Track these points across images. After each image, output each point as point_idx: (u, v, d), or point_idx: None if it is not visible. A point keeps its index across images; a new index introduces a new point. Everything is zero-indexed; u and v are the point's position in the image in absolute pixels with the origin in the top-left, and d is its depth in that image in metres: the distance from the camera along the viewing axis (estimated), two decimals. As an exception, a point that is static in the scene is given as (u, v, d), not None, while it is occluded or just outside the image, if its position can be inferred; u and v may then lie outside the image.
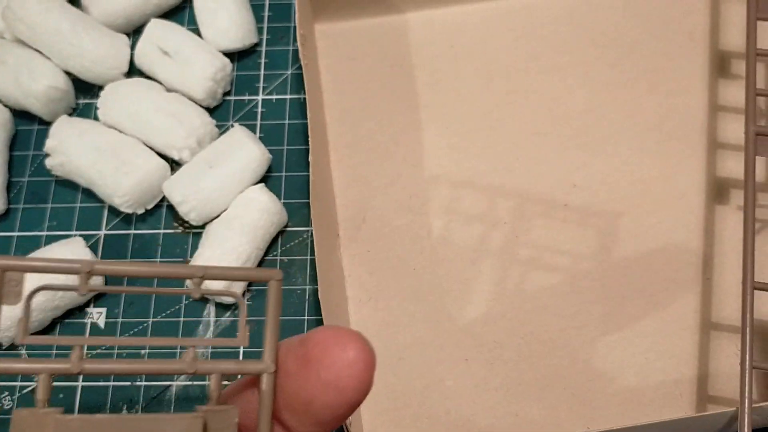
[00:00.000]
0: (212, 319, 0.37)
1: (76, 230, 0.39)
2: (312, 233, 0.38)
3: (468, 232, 0.37)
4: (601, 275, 0.36)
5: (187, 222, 0.38)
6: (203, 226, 0.38)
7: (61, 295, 0.35)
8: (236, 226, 0.35)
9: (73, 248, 0.36)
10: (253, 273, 0.17)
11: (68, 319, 0.37)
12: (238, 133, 0.37)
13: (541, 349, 0.35)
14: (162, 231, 0.39)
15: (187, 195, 0.36)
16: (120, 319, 0.37)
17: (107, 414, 0.15)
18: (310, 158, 0.34)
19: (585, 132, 0.39)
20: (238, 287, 0.35)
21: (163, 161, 0.38)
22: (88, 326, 0.37)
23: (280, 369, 0.16)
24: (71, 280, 0.18)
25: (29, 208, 0.39)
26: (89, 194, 0.39)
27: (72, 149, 0.37)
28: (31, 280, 0.15)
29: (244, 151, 0.37)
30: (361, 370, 0.15)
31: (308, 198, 0.38)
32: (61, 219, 0.39)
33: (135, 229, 0.39)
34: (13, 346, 0.36)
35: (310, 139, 0.34)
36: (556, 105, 0.40)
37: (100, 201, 0.39)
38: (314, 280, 0.37)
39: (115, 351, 0.36)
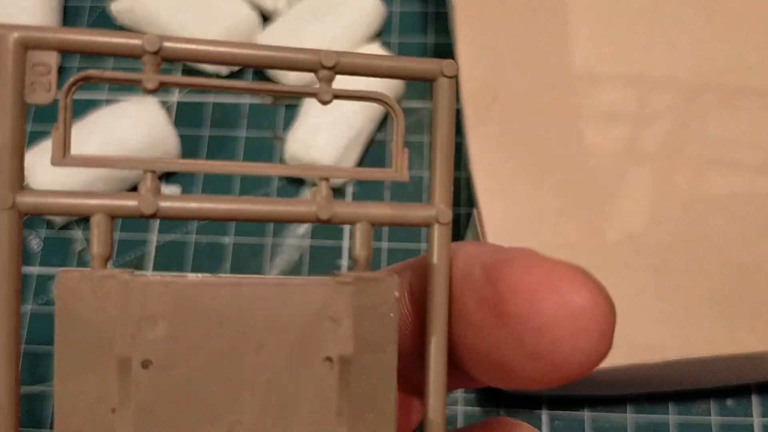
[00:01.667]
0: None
1: (140, 94, 0.32)
2: (428, 111, 0.32)
3: (624, 116, 0.31)
4: (785, 174, 0.30)
5: (278, 91, 0.32)
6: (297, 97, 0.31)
7: (128, 169, 0.28)
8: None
9: (147, 110, 0.29)
10: (410, 64, 0.11)
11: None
12: (349, -21, 0.30)
13: (717, 256, 0.29)
14: (248, 102, 0.32)
15: (289, 50, 0.29)
16: (199, 201, 0.30)
17: (203, 275, 0.09)
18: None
19: (758, 7, 0.32)
20: (329, 141, 0.28)
21: (253, 12, 0.31)
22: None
23: (454, 308, 0.11)
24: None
25: (84, 68, 0.33)
26: (159, 53, 0.33)
27: (145, -10, 0.30)
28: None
29: (357, 0, 0.30)
30: (592, 341, 0.09)
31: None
32: (125, 81, 0.32)
33: (214, 95, 0.32)
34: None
35: None
36: (727, -27, 0.33)
37: (167, 62, 0.32)
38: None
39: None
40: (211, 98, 0.32)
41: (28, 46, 0.10)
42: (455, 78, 0.11)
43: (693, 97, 0.31)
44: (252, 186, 0.30)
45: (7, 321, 0.10)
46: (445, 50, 0.33)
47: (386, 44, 0.33)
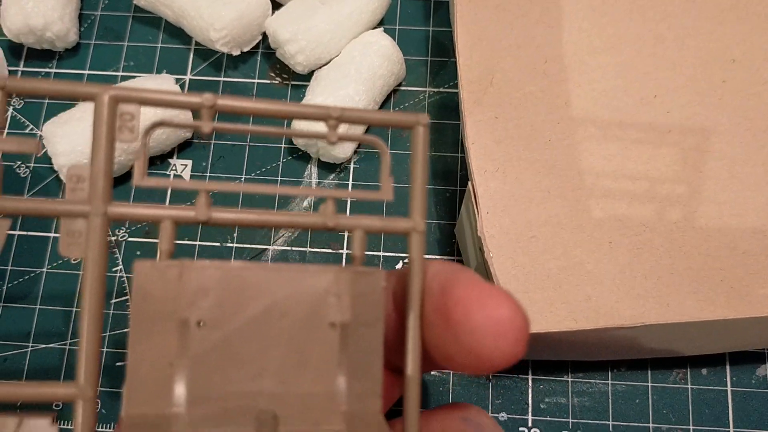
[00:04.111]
0: (314, 180, 0.32)
1: (158, 72, 0.34)
2: (428, 95, 0.34)
3: (612, 105, 0.33)
4: (763, 160, 0.31)
5: (285, 73, 0.33)
6: (303, 78, 0.33)
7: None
8: (352, 71, 0.30)
9: (161, 84, 0.30)
10: (394, 117, 0.14)
11: (149, 168, 0.32)
12: (356, -33, 0.32)
13: (695, 236, 0.30)
14: (256, 80, 0.34)
15: (296, 32, 0.31)
16: (208, 174, 0.32)
17: (243, 261, 0.13)
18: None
19: (745, 2, 0.34)
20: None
21: (264, -4, 0.32)
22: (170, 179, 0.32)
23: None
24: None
25: (102, 45, 0.34)
26: (173, 34, 0.34)
27: (161, -27, 0.32)
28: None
29: (362, -12, 0.32)
30: (509, 344, 0.13)
31: (425, 56, 0.33)
32: (140, 59, 0.34)
33: (225, 76, 0.34)
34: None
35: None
36: (714, -28, 0.35)
37: (185, 42, 0.34)
38: (430, 147, 0.33)
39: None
40: (221, 77, 0.34)
41: (118, 100, 0.13)
42: (428, 126, 0.14)
43: (679, 87, 0.33)
44: (261, 160, 0.32)
45: (97, 299, 0.12)
46: (446, 38, 0.34)
47: (388, 32, 0.34)
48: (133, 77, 0.33)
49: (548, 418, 0.28)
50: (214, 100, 0.13)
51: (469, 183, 0.26)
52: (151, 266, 0.13)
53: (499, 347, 0.13)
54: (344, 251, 0.31)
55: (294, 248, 0.31)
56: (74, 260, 0.30)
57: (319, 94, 0.30)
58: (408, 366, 0.14)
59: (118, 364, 0.29)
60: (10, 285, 0.30)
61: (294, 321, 0.13)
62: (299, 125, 0.29)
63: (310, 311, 0.13)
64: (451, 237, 0.31)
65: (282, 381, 0.13)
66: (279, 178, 0.32)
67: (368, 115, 0.14)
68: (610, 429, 0.28)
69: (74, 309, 0.30)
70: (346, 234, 0.31)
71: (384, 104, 0.33)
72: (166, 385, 0.13)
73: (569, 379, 0.29)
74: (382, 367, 0.14)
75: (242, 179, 0.32)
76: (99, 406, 0.28)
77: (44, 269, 0.30)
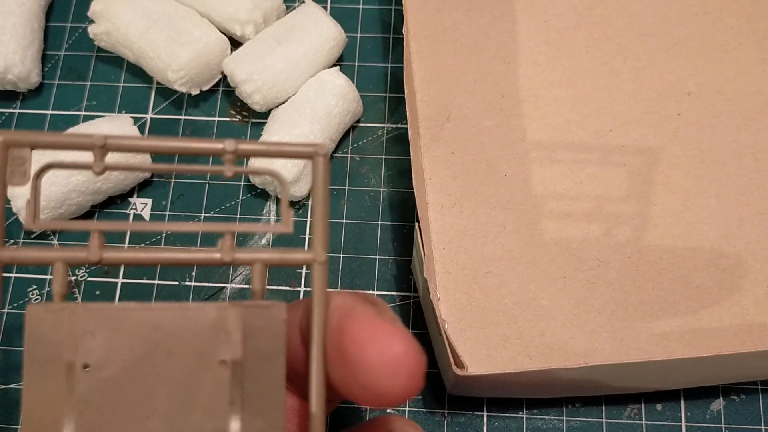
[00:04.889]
0: (273, 217, 0.32)
1: (119, 112, 0.34)
2: (386, 131, 0.34)
3: (567, 138, 0.33)
4: (717, 193, 0.32)
5: (245, 110, 0.34)
6: (263, 116, 0.33)
7: (104, 177, 0.31)
8: (307, 110, 0.31)
9: (120, 125, 0.31)
10: (291, 148, 0.14)
11: (108, 208, 0.32)
12: (311, 7, 0.33)
13: (649, 270, 0.30)
14: (216, 118, 0.34)
15: (252, 72, 0.31)
16: (167, 212, 0.32)
17: (130, 302, 0.13)
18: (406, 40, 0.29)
19: (699, 35, 0.35)
20: (285, 166, 0.30)
21: (223, 36, 0.33)
22: (131, 218, 0.32)
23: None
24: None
25: (66, 85, 0.35)
26: (134, 73, 0.35)
27: (121, 15, 0.32)
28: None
29: (318, 28, 0.32)
30: (404, 379, 0.13)
31: (384, 92, 0.34)
32: (102, 99, 0.34)
33: (186, 114, 0.34)
34: (43, 235, 0.32)
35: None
36: (667, 3, 0.35)
37: (147, 81, 0.34)
38: (388, 182, 0.33)
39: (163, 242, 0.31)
40: (182, 116, 0.34)
41: (9, 145, 0.13)
42: (327, 156, 0.14)
43: (634, 120, 0.33)
44: (219, 199, 0.32)
45: None
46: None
47: (347, 69, 0.35)
48: (96, 117, 0.34)
49: (504, 455, 0.28)
50: (104, 140, 0.13)
51: (417, 224, 0.26)
52: (44, 309, 0.13)
53: (396, 384, 0.13)
54: (302, 288, 0.31)
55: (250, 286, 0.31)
56: None
57: (275, 132, 0.31)
58: (312, 402, 0.14)
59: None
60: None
61: (181, 360, 0.13)
62: (256, 163, 0.29)
63: (197, 349, 0.13)
64: (408, 273, 0.32)
65: (170, 422, 0.13)
66: (238, 216, 0.32)
67: (264, 147, 0.14)
68: (565, 465, 0.28)
69: None
70: (304, 270, 0.31)
71: (342, 141, 0.33)
72: (57, 429, 0.13)
73: (524, 416, 0.29)
74: (284, 401, 0.14)
75: (202, 218, 0.32)
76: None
77: None
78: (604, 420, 0.29)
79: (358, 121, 0.34)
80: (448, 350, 0.25)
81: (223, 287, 0.31)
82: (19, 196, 0.29)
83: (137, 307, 0.13)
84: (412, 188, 0.34)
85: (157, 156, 0.31)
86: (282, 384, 0.14)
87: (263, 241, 0.32)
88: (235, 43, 0.34)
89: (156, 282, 0.31)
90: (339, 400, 0.17)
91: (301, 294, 0.31)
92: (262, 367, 0.13)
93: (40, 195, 0.14)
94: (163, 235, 0.31)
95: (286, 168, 0.30)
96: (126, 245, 0.31)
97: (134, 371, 0.13)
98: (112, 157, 0.13)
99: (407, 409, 0.30)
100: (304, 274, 0.31)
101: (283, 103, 0.32)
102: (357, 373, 0.13)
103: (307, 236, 0.32)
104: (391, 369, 0.13)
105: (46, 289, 0.31)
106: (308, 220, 0.32)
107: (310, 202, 0.32)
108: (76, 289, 0.31)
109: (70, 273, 0.31)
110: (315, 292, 0.14)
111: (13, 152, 0.13)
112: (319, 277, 0.14)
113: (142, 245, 0.31)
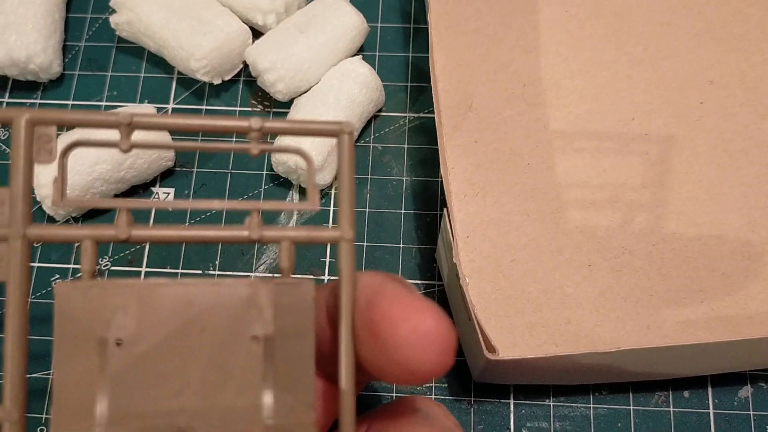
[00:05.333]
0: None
1: (140, 102, 0.34)
2: (408, 120, 0.34)
3: (589, 127, 0.33)
4: (740, 182, 0.32)
5: (267, 100, 0.34)
6: (284, 105, 0.33)
7: (128, 165, 0.30)
8: (331, 99, 0.31)
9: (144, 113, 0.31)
10: (316, 126, 0.14)
11: (131, 197, 0.32)
12: (334, -4, 0.33)
13: (674, 258, 0.30)
14: (238, 108, 0.34)
15: (275, 61, 0.31)
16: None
17: (159, 278, 0.13)
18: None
19: (720, 25, 0.35)
20: (314, 146, 0.30)
21: (245, 26, 0.33)
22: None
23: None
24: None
25: (86, 75, 0.35)
26: (155, 63, 0.35)
27: (142, 5, 0.32)
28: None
29: (341, 17, 0.32)
30: (436, 355, 0.13)
31: (405, 81, 0.34)
32: (123, 89, 0.34)
33: (207, 104, 0.34)
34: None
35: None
36: (689, -6, 0.35)
37: (168, 72, 0.34)
38: (410, 171, 0.33)
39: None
40: (203, 105, 0.34)
41: (34, 123, 0.13)
42: (352, 132, 0.14)
43: (656, 109, 0.33)
44: (242, 188, 0.32)
45: (20, 322, 0.13)
46: (425, 64, 0.35)
47: (368, 58, 0.35)
48: (117, 107, 0.34)
49: (530, 443, 0.28)
50: (130, 118, 0.13)
51: (445, 210, 0.26)
52: (72, 287, 0.13)
53: (427, 359, 0.13)
54: (326, 276, 0.31)
55: (276, 274, 0.31)
56: None
57: (298, 121, 0.31)
58: (342, 380, 0.14)
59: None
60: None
61: (214, 335, 0.13)
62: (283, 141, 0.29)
63: (230, 325, 0.13)
64: (432, 261, 0.31)
65: (204, 397, 0.13)
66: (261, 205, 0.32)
67: (290, 125, 0.14)
68: (592, 453, 0.28)
69: None
70: (327, 258, 0.31)
71: (365, 130, 0.33)
72: (89, 405, 0.13)
73: (551, 403, 0.29)
74: (314, 379, 0.14)
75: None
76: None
77: None
78: (631, 407, 0.29)
79: (380, 110, 0.34)
80: (479, 334, 0.25)
81: (247, 275, 0.31)
82: (44, 184, 0.29)
83: (168, 282, 0.13)
84: (435, 177, 0.34)
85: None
86: (311, 361, 0.14)
87: (291, 222, 0.32)
88: (256, 33, 0.34)
89: (180, 271, 0.31)
90: (366, 381, 0.17)
91: (325, 282, 0.31)
92: (293, 344, 0.13)
93: (66, 173, 0.14)
94: (187, 221, 0.31)
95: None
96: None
97: (167, 347, 0.13)
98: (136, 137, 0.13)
99: (433, 396, 0.29)
100: (327, 263, 0.31)
101: (305, 92, 0.32)
102: (388, 349, 0.13)
103: (330, 225, 0.31)
104: (422, 344, 0.13)
105: (69, 278, 0.31)
106: (332, 209, 0.32)
107: (333, 192, 0.32)
108: (99, 278, 0.31)
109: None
110: (342, 270, 0.14)
111: (39, 130, 0.13)
112: (347, 255, 0.14)
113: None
